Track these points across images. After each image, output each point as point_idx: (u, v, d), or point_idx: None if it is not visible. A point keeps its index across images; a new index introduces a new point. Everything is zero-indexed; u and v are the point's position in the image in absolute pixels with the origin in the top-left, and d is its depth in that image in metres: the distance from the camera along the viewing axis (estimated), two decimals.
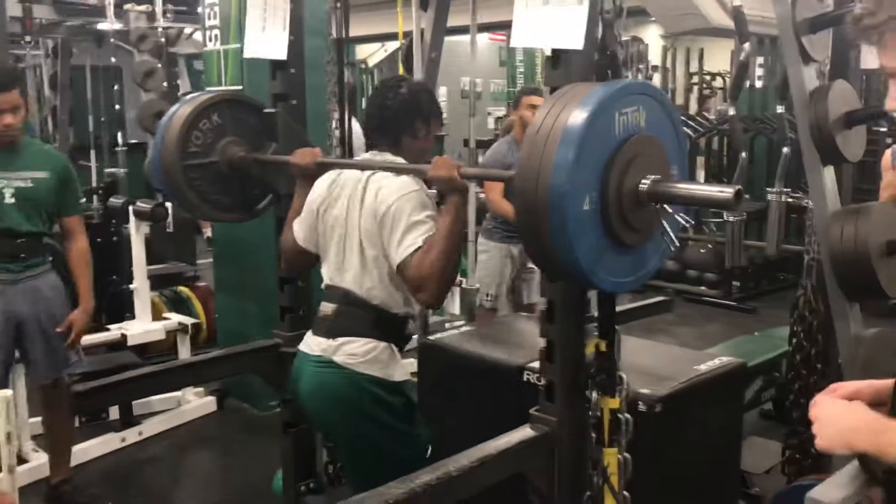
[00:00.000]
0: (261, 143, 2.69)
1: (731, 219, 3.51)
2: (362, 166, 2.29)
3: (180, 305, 4.97)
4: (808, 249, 2.85)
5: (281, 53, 2.52)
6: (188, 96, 2.83)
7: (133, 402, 4.05)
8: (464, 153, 8.32)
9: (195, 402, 4.29)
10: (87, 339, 4.17)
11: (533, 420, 1.95)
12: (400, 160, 2.28)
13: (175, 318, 4.31)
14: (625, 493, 2.00)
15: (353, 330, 2.24)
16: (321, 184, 2.36)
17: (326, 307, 2.31)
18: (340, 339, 2.24)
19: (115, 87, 6.92)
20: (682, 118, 7.61)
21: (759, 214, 5.67)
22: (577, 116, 1.51)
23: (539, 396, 1.98)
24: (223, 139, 2.66)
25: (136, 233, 4.04)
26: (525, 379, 2.66)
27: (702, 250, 6.65)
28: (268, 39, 2.53)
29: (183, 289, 5.22)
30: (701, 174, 7.78)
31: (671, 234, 1.69)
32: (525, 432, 1.89)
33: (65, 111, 6.05)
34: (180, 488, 3.61)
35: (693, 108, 8.46)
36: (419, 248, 2.09)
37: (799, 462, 2.96)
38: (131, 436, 3.94)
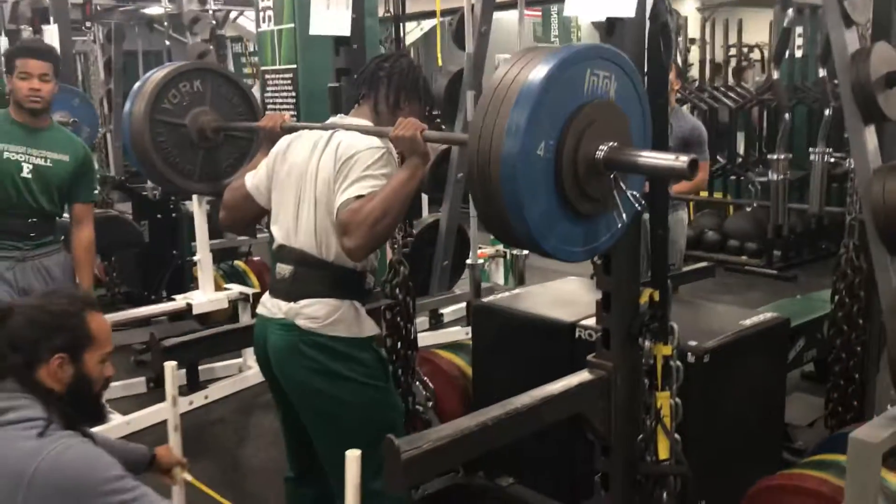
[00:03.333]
0: (235, 120, 2.83)
1: (775, 178, 3.60)
2: (327, 129, 2.26)
3: (236, 279, 5.18)
4: (850, 210, 2.94)
5: (345, 30, 2.67)
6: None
7: (198, 369, 4.27)
8: None
9: (256, 369, 4.49)
10: (153, 309, 4.42)
11: (590, 366, 2.08)
12: (367, 122, 2.25)
13: (237, 288, 4.51)
14: (676, 435, 2.14)
15: (312, 291, 2.17)
16: (283, 139, 2.35)
17: (283, 269, 2.23)
18: (301, 302, 2.17)
19: None
20: (722, 89, 7.64)
21: (801, 182, 5.71)
22: (552, 58, 1.51)
23: (595, 344, 2.12)
24: (197, 107, 2.76)
25: (199, 207, 4.22)
26: (577, 336, 2.81)
27: (747, 209, 6.61)
28: (332, 17, 2.68)
29: (239, 263, 5.44)
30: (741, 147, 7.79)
31: (621, 210, 1.67)
32: (584, 376, 2.03)
33: (119, 94, 6.26)
34: (246, 446, 3.81)
35: (731, 80, 8.45)
36: (362, 196, 2.05)
37: (842, 415, 3.06)
38: (198, 399, 4.16)
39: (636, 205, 1.71)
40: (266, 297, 2.29)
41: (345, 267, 2.18)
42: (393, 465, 1.62)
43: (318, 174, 2.18)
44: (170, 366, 2.23)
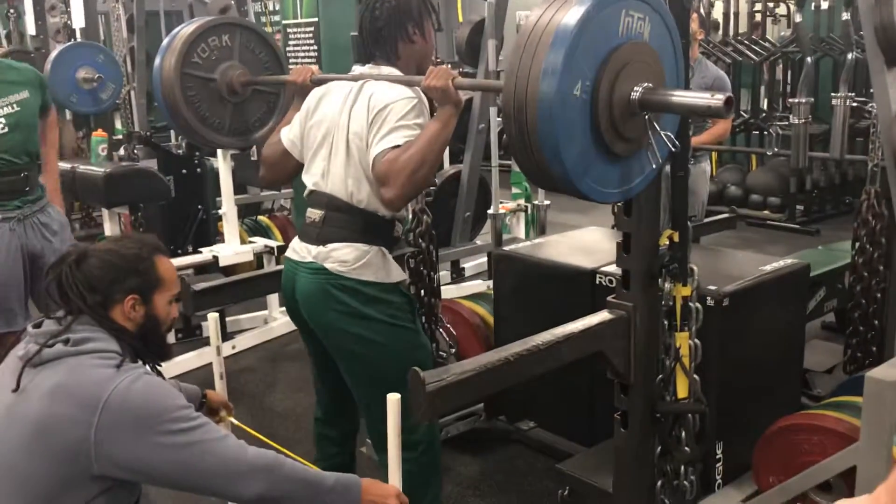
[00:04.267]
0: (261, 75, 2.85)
1: (796, 121, 3.58)
2: (357, 79, 2.27)
3: (260, 233, 5.24)
4: (872, 156, 2.94)
5: None
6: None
7: (226, 320, 4.36)
8: None
9: (281, 320, 4.58)
10: (180, 262, 4.50)
11: (610, 307, 2.11)
12: (396, 72, 2.26)
13: (261, 242, 4.58)
14: (695, 376, 2.18)
15: (341, 235, 2.20)
16: (314, 93, 2.37)
17: (313, 213, 2.26)
18: (330, 246, 2.19)
19: None
20: (746, 42, 7.55)
21: (824, 136, 5.66)
22: (582, 4, 1.49)
23: (616, 286, 2.15)
24: (226, 62, 2.80)
25: (224, 162, 4.27)
26: (598, 282, 2.85)
27: (768, 153, 6.52)
28: None
29: (262, 218, 5.50)
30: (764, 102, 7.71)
31: (656, 150, 1.68)
32: (604, 315, 2.06)
33: (141, 52, 6.29)
34: (274, 392, 3.90)
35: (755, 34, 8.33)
36: (398, 146, 2.08)
37: (860, 361, 3.10)
38: (225, 349, 4.22)
39: (671, 146, 1.71)
40: (296, 241, 2.32)
41: (376, 213, 2.20)
42: (418, 397, 1.67)
43: (349, 124, 2.19)
44: (213, 317, 2.31)
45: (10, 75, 3.14)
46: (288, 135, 2.38)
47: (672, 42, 1.73)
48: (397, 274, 2.28)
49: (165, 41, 2.89)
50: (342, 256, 2.19)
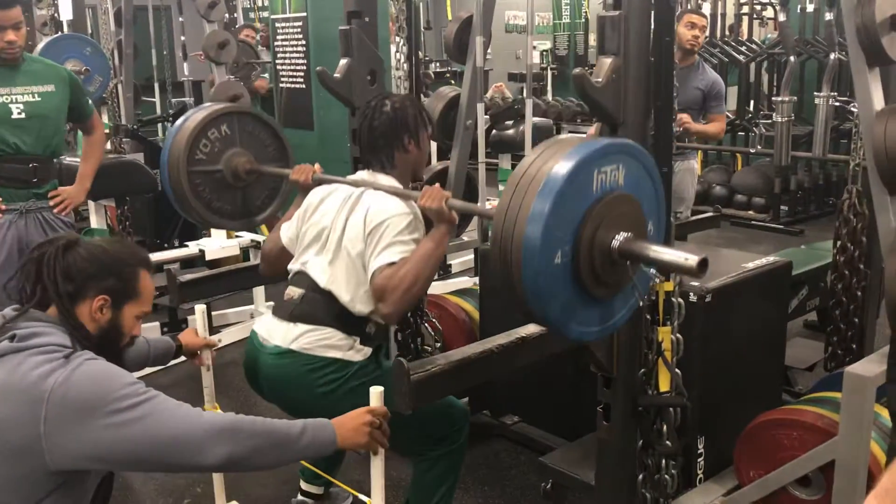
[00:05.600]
0: (266, 157, 2.90)
1: (779, 119, 3.62)
2: (358, 184, 2.36)
3: None
4: (854, 155, 2.98)
5: None
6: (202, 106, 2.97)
7: (212, 314, 4.36)
8: (510, 87, 8.41)
9: (267, 314, 4.57)
10: (166, 255, 4.50)
11: None
12: (393, 181, 2.36)
13: (248, 236, 4.58)
14: (676, 370, 2.21)
15: (315, 318, 2.22)
16: (317, 192, 2.45)
17: (293, 291, 2.30)
18: (302, 327, 2.22)
19: (181, 19, 7.08)
20: (733, 44, 7.60)
21: (808, 137, 5.72)
22: (558, 171, 1.52)
23: None
24: (230, 149, 2.84)
25: None
26: None
27: (752, 150, 6.55)
28: None
29: None
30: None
31: (640, 290, 1.73)
32: None
33: (129, 45, 6.27)
34: None
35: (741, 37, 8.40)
36: (394, 262, 2.15)
37: (841, 358, 3.13)
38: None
39: (651, 280, 1.75)
40: (268, 316, 2.35)
41: (351, 310, 2.23)
42: (402, 387, 1.69)
43: (345, 230, 2.26)
44: (200, 309, 2.34)
45: (36, 67, 3.20)
46: (287, 232, 2.44)
47: (651, 179, 1.75)
48: (362, 355, 2.26)
49: (166, 142, 2.89)
50: (310, 336, 2.21)
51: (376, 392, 1.74)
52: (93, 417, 1.49)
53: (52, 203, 3.24)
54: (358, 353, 2.24)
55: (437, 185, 2.28)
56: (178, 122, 2.85)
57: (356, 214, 2.27)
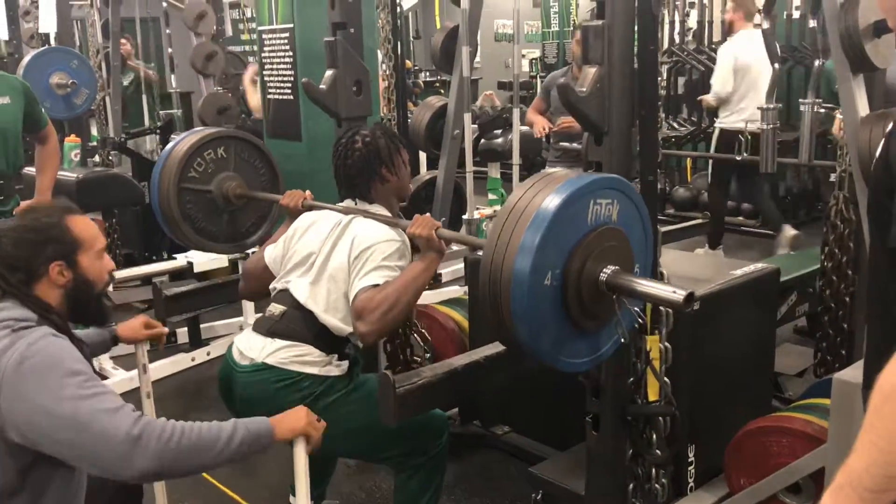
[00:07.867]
0: (257, 184, 2.92)
1: (765, 126, 3.64)
2: (349, 212, 2.36)
3: None
4: (840, 162, 2.99)
5: None
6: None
7: (200, 326, 4.34)
8: (499, 95, 8.42)
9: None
10: (155, 268, 4.48)
11: None
12: (382, 209, 2.38)
13: None
14: (665, 379, 2.20)
15: (294, 334, 2.21)
16: (306, 217, 2.46)
17: (275, 308, 2.29)
18: (279, 342, 2.21)
19: (167, 32, 7.09)
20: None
21: (795, 143, 5.73)
22: (553, 199, 1.57)
23: None
24: (222, 173, 2.84)
25: None
26: None
27: (737, 158, 6.53)
28: None
29: None
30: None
31: (624, 327, 1.76)
32: None
33: (117, 57, 6.26)
34: None
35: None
36: (377, 285, 2.15)
37: (830, 364, 3.13)
38: (200, 356, 4.24)
39: (637, 319, 1.78)
40: (246, 333, 2.33)
41: (330, 329, 2.23)
42: (388, 400, 1.68)
43: (332, 255, 2.27)
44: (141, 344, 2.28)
45: None
46: (272, 253, 2.44)
47: (640, 218, 1.79)
48: (338, 370, 2.26)
49: (163, 155, 2.89)
50: (287, 351, 2.20)
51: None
52: (38, 392, 1.49)
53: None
54: (336, 367, 2.24)
55: (428, 214, 2.29)
56: (175, 140, 2.87)
57: (344, 240, 2.28)
